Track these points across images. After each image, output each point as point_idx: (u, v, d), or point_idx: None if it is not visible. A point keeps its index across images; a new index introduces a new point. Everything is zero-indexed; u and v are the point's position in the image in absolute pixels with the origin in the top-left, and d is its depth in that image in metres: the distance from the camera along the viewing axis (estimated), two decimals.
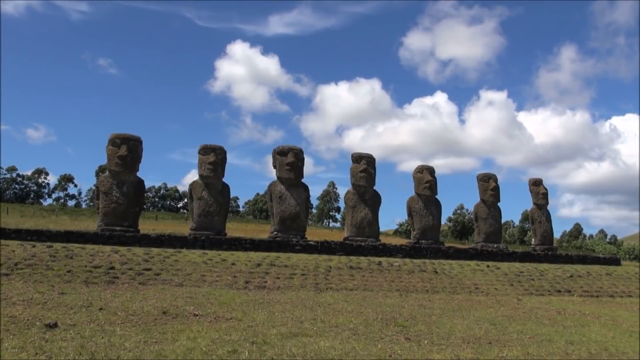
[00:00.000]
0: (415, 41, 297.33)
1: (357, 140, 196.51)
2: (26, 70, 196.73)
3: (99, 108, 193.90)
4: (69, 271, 11.88)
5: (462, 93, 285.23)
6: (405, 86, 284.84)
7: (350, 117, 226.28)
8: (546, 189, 24.19)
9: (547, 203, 24.24)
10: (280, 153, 19.56)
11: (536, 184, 24.35)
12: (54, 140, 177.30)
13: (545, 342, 7.80)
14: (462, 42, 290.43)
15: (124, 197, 17.57)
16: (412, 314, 9.72)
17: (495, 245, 22.11)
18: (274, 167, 19.63)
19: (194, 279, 12.34)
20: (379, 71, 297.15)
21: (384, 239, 23.22)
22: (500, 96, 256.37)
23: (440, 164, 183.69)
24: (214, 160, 18.59)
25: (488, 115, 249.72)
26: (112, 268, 12.48)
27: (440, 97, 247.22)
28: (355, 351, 6.40)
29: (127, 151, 17.59)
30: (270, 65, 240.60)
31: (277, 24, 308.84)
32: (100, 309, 8.39)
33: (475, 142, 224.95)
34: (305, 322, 8.23)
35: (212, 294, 10.66)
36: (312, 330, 7.56)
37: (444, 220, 53.31)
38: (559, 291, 15.31)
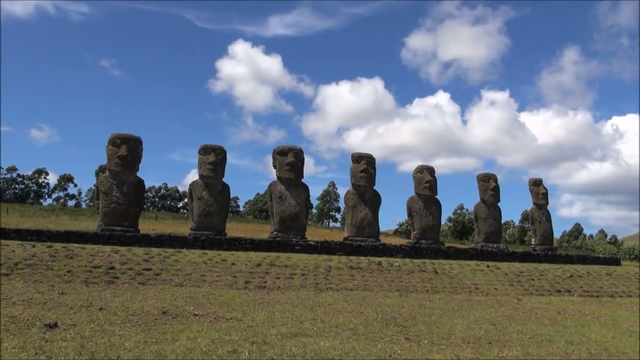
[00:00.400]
0: (417, 42, 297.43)
1: (358, 140, 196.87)
2: (30, 72, 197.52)
3: (100, 108, 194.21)
4: (69, 271, 11.88)
5: (464, 93, 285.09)
6: (407, 86, 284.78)
7: (352, 117, 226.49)
8: (546, 189, 24.19)
9: (547, 203, 24.25)
10: (280, 153, 19.56)
11: (536, 184, 24.35)
12: (57, 141, 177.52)
13: (545, 342, 7.80)
14: (465, 42, 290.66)
15: (124, 197, 17.57)
16: (412, 314, 9.72)
17: (495, 245, 22.11)
18: (274, 167, 19.64)
19: (194, 279, 12.34)
20: (381, 72, 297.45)
21: (384, 239, 23.22)
22: (502, 96, 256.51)
23: (441, 164, 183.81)
24: (214, 160, 18.59)
25: (490, 115, 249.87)
26: (112, 268, 12.48)
27: (443, 97, 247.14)
28: (355, 351, 6.40)
29: (127, 151, 17.59)
30: (272, 65, 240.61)
31: (277, 25, 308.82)
32: (100, 309, 8.39)
33: (477, 142, 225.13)
34: (305, 322, 8.23)
35: (212, 294, 10.66)
36: (312, 330, 7.56)
37: (444, 220, 53.33)
38: (559, 291, 15.31)
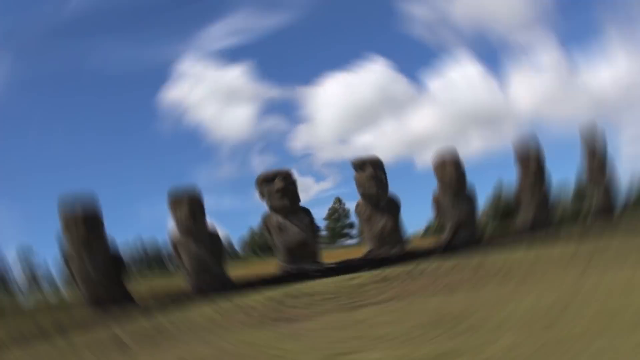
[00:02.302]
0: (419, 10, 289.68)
1: (363, 142, 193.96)
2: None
3: None
4: None
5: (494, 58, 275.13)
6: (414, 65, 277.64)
7: (351, 116, 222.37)
8: None
9: None
10: (265, 180, 19.38)
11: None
12: None
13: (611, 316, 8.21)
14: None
15: None
16: (459, 312, 10.28)
17: (543, 229, 22.16)
18: (262, 197, 19.45)
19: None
20: (378, 52, 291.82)
21: (414, 242, 23.21)
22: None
23: (472, 147, 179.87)
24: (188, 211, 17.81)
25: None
26: None
27: (466, 67, 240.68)
28: (408, 356, 7.02)
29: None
30: (235, 80, 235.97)
31: (219, 36, 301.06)
32: None
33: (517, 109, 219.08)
34: (345, 342, 8.81)
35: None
36: (355, 347, 8.15)
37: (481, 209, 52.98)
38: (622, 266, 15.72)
